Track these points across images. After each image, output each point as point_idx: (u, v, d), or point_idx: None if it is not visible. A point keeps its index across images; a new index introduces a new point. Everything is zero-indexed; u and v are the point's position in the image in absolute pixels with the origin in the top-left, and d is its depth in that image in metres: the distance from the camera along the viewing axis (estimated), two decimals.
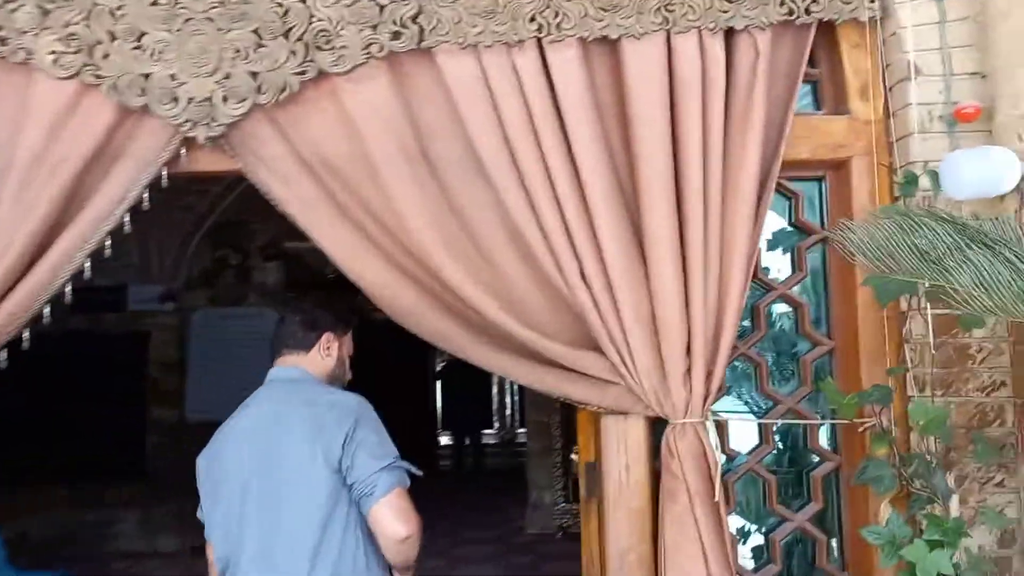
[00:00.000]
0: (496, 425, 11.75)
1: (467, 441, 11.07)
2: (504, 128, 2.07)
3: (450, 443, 11.16)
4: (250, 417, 2.14)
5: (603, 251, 2.07)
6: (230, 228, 7.49)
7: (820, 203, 2.33)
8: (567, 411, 7.11)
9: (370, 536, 1.95)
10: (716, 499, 2.02)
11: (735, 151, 2.08)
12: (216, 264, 7.45)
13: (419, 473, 2.01)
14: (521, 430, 11.39)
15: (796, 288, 2.34)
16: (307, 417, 1.97)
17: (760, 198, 2.10)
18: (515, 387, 11.85)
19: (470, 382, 11.03)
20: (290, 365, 2.20)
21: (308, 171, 2.16)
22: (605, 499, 2.17)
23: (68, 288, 2.21)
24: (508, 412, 11.74)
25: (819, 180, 2.34)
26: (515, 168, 2.08)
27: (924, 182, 2.11)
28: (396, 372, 10.44)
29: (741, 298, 2.08)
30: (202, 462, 2.21)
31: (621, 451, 2.17)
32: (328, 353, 2.21)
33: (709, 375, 2.07)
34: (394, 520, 1.88)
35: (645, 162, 2.07)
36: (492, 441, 11.49)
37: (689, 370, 2.07)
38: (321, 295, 9.78)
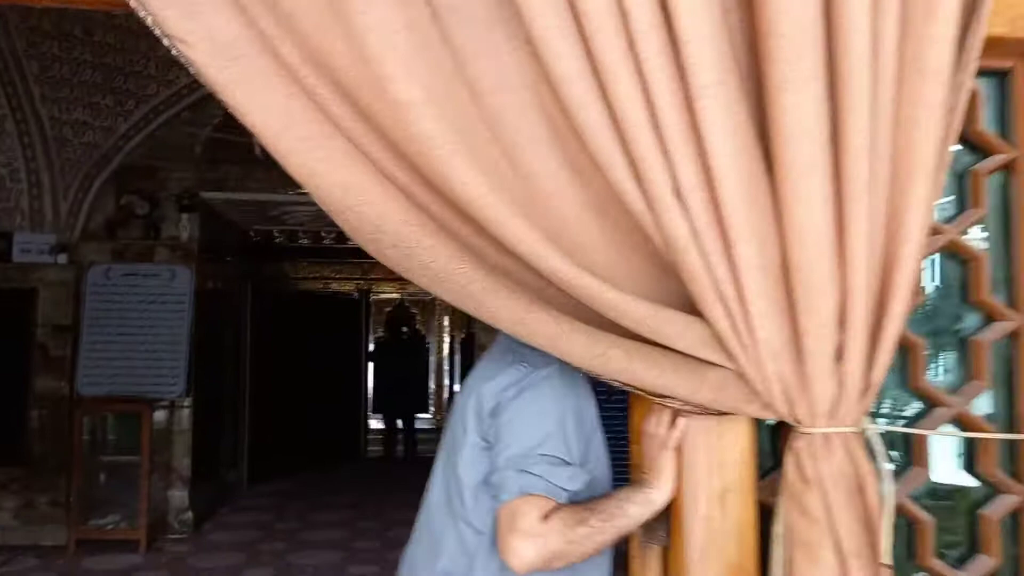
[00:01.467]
0: (432, 410, 10.91)
1: (399, 425, 10.21)
2: None
3: (381, 427, 10.28)
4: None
5: (708, 151, 1.25)
6: (138, 172, 6.46)
7: (1002, 107, 1.57)
8: None
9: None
10: (884, 561, 1.25)
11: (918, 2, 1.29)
12: (120, 213, 6.40)
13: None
14: None
15: (969, 234, 1.57)
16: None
17: (956, 81, 1.32)
18: (454, 368, 11.02)
19: (405, 362, 10.19)
20: None
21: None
22: (682, 549, 1.37)
23: None
24: (446, 396, 10.89)
25: (1003, 74, 1.57)
26: (568, 6, 1.25)
27: None
28: (325, 349, 9.53)
29: (923, 237, 1.30)
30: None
31: (713, 474, 1.37)
32: None
33: (871, 360, 1.29)
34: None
35: (776, 11, 1.26)
36: (427, 426, 10.64)
37: (841, 350, 1.28)
38: (242, 258, 8.81)
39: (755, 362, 1.29)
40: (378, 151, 1.33)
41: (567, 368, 1.44)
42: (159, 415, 6.18)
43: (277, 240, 10.22)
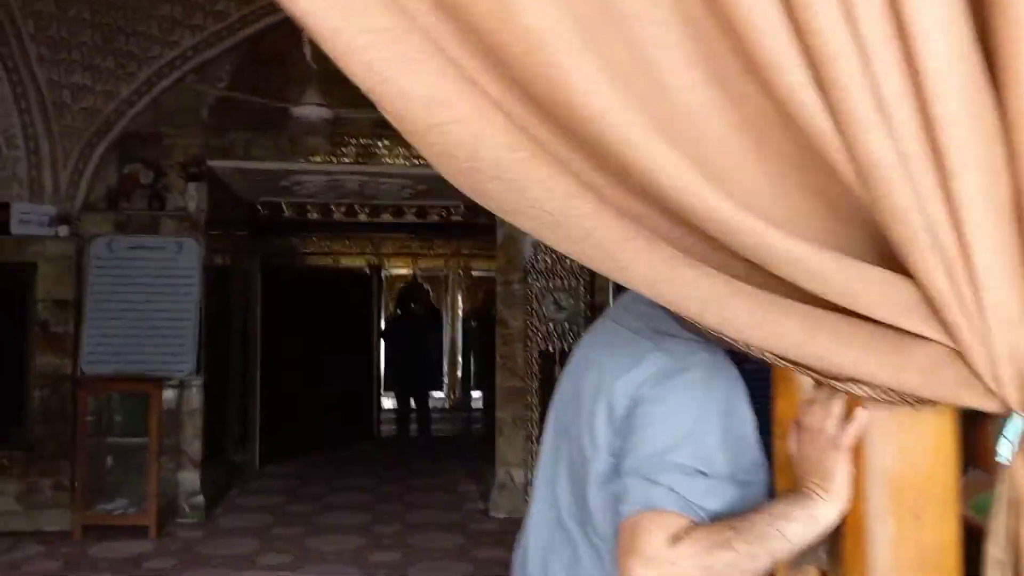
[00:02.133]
0: (445, 388, 10.62)
1: (412, 404, 9.93)
2: None
3: (393, 406, 9.99)
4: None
5: (918, 51, 0.92)
6: (142, 140, 6.12)
7: None
8: (548, 373, 6.07)
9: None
10: None
11: None
12: (124, 182, 6.07)
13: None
14: (476, 394, 10.32)
15: None
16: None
17: None
18: (467, 346, 10.72)
19: (418, 339, 9.89)
20: None
21: None
22: None
23: None
24: (459, 374, 10.60)
25: None
26: None
27: None
28: (336, 325, 9.22)
29: None
30: None
31: (904, 481, 1.05)
32: None
33: None
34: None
35: None
36: (440, 405, 10.36)
37: None
38: (251, 232, 8.47)
39: (980, 334, 0.96)
40: (465, 53, 0.99)
41: (717, 354, 1.19)
42: (167, 395, 5.88)
43: (286, 215, 9.89)
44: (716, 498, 1.13)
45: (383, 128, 6.32)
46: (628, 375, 1.23)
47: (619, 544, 1.13)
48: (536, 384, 6.19)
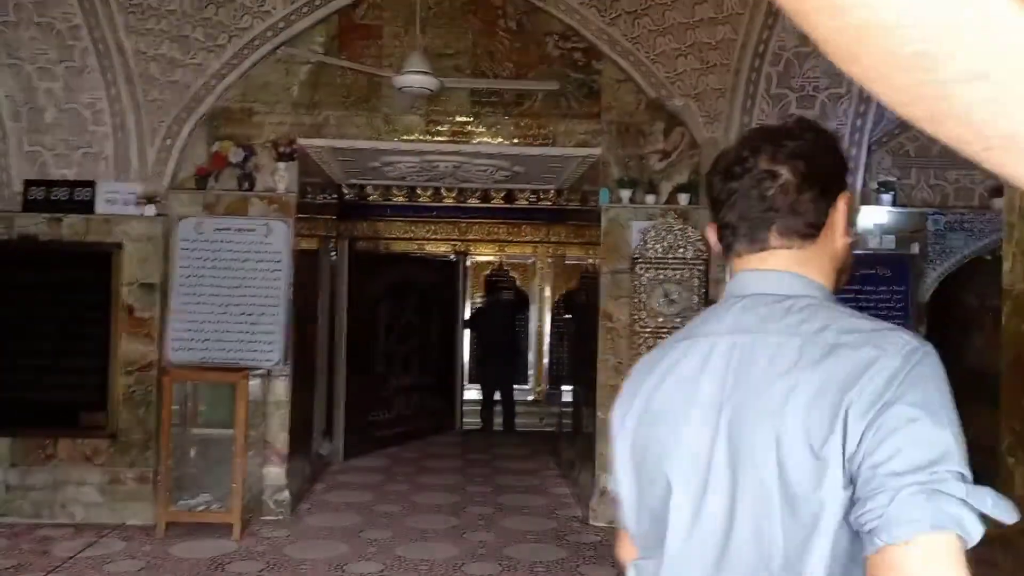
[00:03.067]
0: (531, 381, 10.19)
1: (496, 397, 9.54)
2: None
3: (477, 398, 9.61)
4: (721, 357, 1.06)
5: None
6: (231, 116, 5.81)
7: None
8: None
9: None
10: None
11: None
12: (213, 161, 5.77)
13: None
14: (566, 388, 9.86)
15: None
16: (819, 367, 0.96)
17: None
18: (555, 336, 10.27)
19: (505, 328, 9.47)
20: (776, 268, 1.10)
21: None
22: None
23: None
24: (546, 365, 10.15)
25: None
26: None
27: None
28: (419, 314, 8.88)
29: None
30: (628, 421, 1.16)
31: None
32: (832, 235, 1.10)
33: None
34: None
35: None
36: (525, 398, 9.94)
37: None
38: (339, 215, 8.16)
39: None
40: None
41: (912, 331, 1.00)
42: (253, 385, 5.58)
43: (371, 197, 9.59)
44: (1005, 510, 0.88)
45: (481, 106, 5.89)
46: (856, 387, 0.94)
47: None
48: None
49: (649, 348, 5.36)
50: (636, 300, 5.74)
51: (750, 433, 1.01)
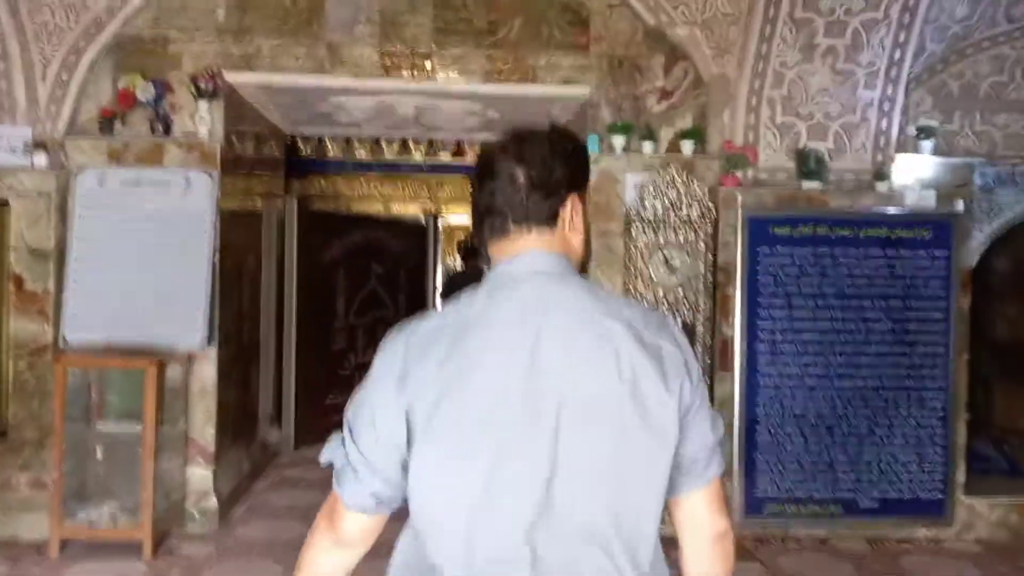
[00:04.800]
0: None
1: None
2: None
3: None
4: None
5: None
6: (143, 45, 4.80)
7: None
8: None
9: None
10: None
11: None
12: (119, 100, 4.76)
13: None
14: None
15: None
16: (630, 341, 1.17)
17: None
18: None
19: None
20: (539, 249, 1.26)
21: None
22: None
23: None
24: None
25: None
26: None
27: None
28: (387, 282, 7.94)
29: None
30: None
31: None
32: (574, 227, 1.30)
33: None
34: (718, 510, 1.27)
35: None
36: None
37: None
38: (287, 170, 7.17)
39: None
40: None
41: None
42: (173, 371, 4.64)
43: (330, 153, 8.59)
44: None
45: (445, 34, 4.91)
46: (665, 341, 1.20)
47: (717, 501, 1.25)
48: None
49: None
50: (630, 268, 4.82)
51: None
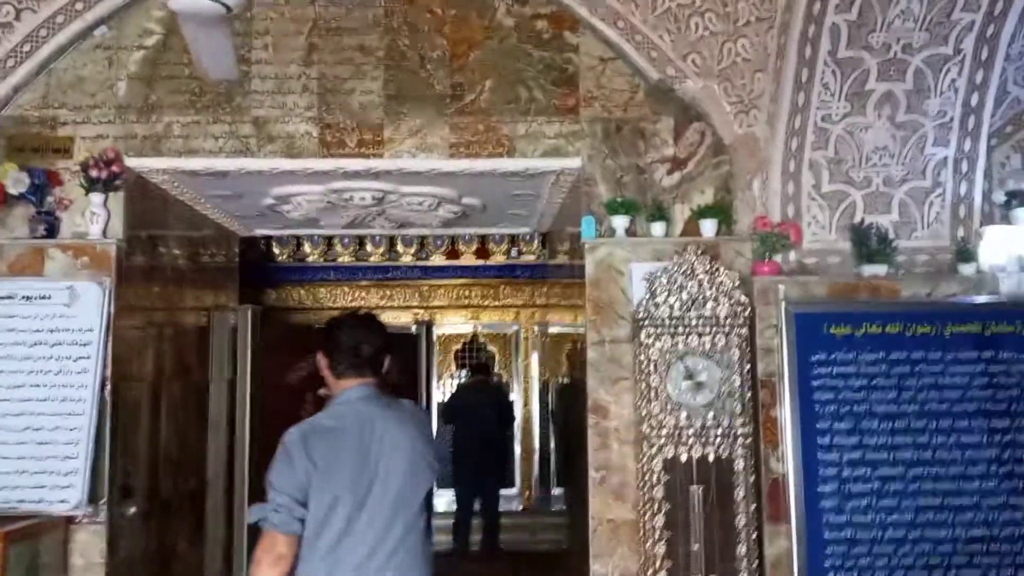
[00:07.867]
0: (518, 485, 8.02)
1: (475, 507, 7.40)
2: None
3: (450, 511, 7.46)
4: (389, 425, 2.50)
5: None
6: (28, 126, 3.93)
7: None
8: (680, 498, 3.54)
9: None
10: None
11: None
12: None
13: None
14: (556, 491, 7.79)
15: None
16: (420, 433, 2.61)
17: None
18: (542, 426, 8.18)
19: (488, 416, 7.39)
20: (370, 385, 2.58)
21: None
22: None
23: None
24: (536, 464, 7.98)
25: None
26: None
27: None
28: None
29: None
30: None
31: None
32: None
33: None
34: None
35: None
36: (512, 507, 7.78)
37: None
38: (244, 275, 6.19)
39: None
40: None
41: None
42: (48, 540, 3.51)
43: (310, 257, 7.68)
44: None
45: (399, 101, 3.98)
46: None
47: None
48: (660, 516, 3.61)
49: (665, 461, 3.28)
50: (642, 384, 3.68)
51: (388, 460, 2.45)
